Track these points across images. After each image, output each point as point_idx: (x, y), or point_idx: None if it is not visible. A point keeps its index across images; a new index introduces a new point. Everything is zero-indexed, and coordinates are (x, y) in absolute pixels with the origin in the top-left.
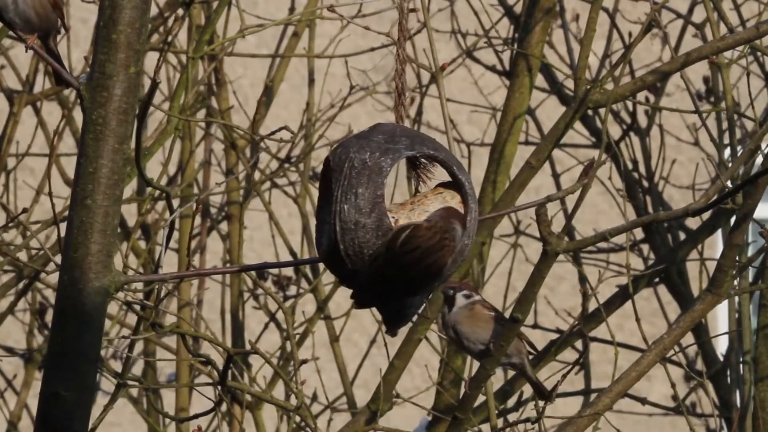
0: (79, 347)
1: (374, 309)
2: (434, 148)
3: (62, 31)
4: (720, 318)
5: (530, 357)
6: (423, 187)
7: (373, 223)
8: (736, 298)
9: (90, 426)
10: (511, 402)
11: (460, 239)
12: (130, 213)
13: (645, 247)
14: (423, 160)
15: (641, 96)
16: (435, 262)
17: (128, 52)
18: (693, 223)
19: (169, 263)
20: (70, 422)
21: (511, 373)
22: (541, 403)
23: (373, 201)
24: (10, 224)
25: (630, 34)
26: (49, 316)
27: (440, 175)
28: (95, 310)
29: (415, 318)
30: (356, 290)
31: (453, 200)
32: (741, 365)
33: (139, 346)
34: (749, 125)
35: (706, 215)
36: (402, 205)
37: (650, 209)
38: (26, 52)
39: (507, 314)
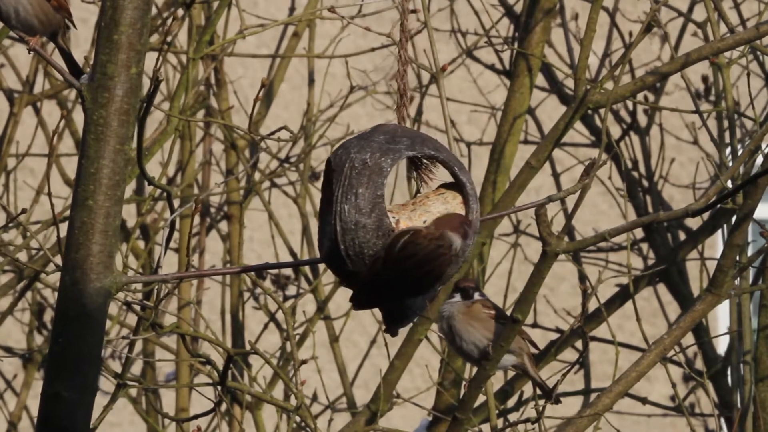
0: (80, 348)
1: (375, 309)
2: (435, 149)
3: (70, 27)
4: (720, 318)
5: (533, 355)
6: (424, 187)
7: (374, 223)
8: (737, 298)
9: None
10: (511, 402)
11: (462, 245)
12: (129, 213)
13: (645, 247)
14: (424, 160)
15: (641, 95)
16: (433, 269)
17: (130, 53)
18: (693, 223)
19: (169, 263)
20: (71, 423)
21: (511, 373)
22: (541, 403)
23: (373, 201)
24: (10, 224)
25: (630, 34)
26: (48, 316)
27: (442, 175)
28: (97, 311)
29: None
30: (355, 291)
31: (454, 200)
32: (741, 365)
33: (138, 346)
34: (749, 125)
35: (706, 215)
36: (403, 206)
37: (650, 209)
38: (29, 53)
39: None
